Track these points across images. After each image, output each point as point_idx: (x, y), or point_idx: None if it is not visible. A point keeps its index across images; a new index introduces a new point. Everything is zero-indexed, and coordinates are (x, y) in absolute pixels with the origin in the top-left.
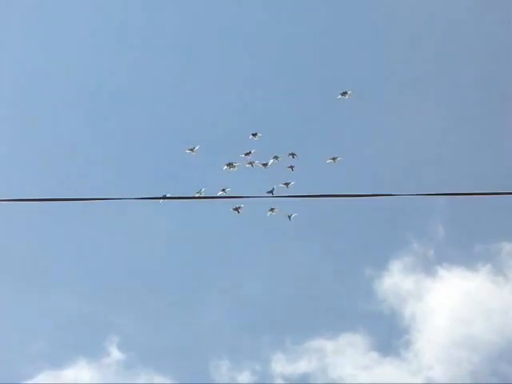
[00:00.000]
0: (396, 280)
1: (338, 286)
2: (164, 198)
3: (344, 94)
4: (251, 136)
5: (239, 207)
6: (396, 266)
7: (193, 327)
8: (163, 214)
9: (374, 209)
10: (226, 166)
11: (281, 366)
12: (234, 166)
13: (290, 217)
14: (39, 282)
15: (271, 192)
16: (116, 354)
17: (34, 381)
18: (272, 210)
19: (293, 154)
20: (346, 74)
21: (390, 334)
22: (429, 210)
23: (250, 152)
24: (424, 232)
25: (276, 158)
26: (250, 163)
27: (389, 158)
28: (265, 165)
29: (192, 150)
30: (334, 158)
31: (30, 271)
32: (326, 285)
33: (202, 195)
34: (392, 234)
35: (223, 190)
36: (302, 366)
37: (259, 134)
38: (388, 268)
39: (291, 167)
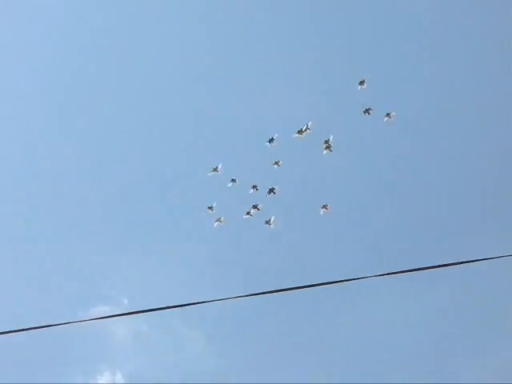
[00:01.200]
0: None
1: None
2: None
3: (362, 83)
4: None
5: (271, 220)
6: None
7: None
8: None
9: None
10: (230, 183)
11: None
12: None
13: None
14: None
15: (271, 141)
16: None
17: None
18: (249, 213)
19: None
20: None
21: None
22: None
23: (273, 138)
24: None
25: (300, 132)
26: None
27: None
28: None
29: (216, 169)
30: (388, 114)
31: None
32: None
33: (213, 210)
34: None
35: (250, 210)
36: None
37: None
38: None
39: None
